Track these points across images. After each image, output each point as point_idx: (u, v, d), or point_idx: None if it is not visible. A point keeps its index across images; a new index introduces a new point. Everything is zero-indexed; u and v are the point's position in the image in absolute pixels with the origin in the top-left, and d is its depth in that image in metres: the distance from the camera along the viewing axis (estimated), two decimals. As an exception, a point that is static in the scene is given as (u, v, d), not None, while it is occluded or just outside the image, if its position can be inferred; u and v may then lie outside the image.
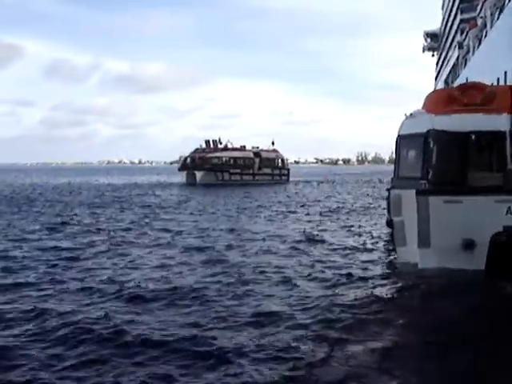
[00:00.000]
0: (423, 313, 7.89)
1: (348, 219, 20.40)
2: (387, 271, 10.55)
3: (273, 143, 63.15)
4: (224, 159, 56.43)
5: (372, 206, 26.95)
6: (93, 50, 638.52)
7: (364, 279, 9.65)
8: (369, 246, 13.68)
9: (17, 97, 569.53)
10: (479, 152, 9.90)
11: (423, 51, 62.14)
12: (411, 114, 10.77)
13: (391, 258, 11.58)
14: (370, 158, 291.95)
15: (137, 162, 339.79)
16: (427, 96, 11.09)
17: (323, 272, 10.32)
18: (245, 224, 18.77)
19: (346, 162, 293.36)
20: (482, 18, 28.14)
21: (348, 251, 12.77)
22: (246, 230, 17.15)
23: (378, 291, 8.79)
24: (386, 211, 21.93)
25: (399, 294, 8.79)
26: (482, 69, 24.56)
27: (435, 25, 58.70)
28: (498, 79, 19.09)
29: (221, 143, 58.78)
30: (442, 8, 53.25)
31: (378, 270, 10.61)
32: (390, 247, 12.53)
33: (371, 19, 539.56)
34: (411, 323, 7.53)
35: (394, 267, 10.71)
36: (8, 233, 16.28)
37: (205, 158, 55.00)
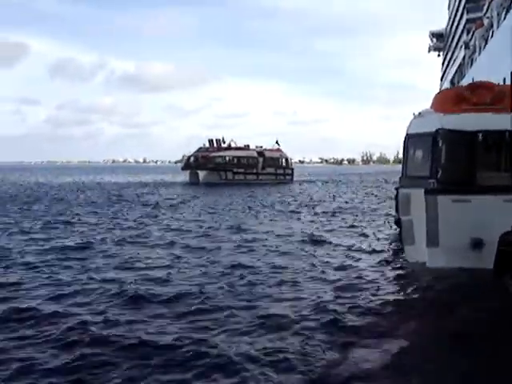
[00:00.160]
0: (433, 314, 7.82)
1: (354, 219, 20.26)
2: (395, 272, 10.43)
3: (277, 143, 62.92)
4: (227, 158, 56.12)
5: (378, 206, 26.83)
6: (98, 49, 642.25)
7: (371, 281, 9.52)
8: (376, 246, 13.56)
9: (22, 95, 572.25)
10: (488, 151, 9.88)
11: (429, 51, 61.99)
12: (420, 114, 10.76)
13: (399, 258, 11.47)
14: (375, 157, 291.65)
15: (141, 161, 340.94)
16: (436, 95, 11.09)
17: (329, 273, 10.17)
18: (249, 224, 18.58)
19: (351, 161, 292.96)
20: (488, 17, 28.08)
21: (355, 252, 12.63)
22: (250, 230, 16.98)
23: (386, 292, 8.74)
24: (392, 211, 22.02)
25: (408, 295, 8.72)
26: (488, 69, 24.49)
27: (441, 25, 58.59)
28: (505, 79, 19.03)
29: (224, 142, 58.52)
30: (448, 8, 53.11)
31: (386, 270, 10.51)
32: (398, 247, 12.42)
33: (380, 19, 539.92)
34: (421, 325, 7.44)
35: (403, 267, 10.64)
36: (9, 231, 16.21)
37: (208, 158, 54.76)
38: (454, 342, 6.54)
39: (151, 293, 8.65)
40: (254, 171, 58.18)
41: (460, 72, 40.19)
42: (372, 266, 10.87)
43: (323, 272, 10.31)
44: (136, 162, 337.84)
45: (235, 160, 56.67)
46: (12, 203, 27.52)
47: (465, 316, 7.45)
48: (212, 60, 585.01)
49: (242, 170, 56.80)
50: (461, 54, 40.13)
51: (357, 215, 21.99)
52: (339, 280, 9.61)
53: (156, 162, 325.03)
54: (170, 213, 23.00)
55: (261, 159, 59.04)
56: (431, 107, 10.70)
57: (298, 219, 20.60)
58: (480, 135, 9.71)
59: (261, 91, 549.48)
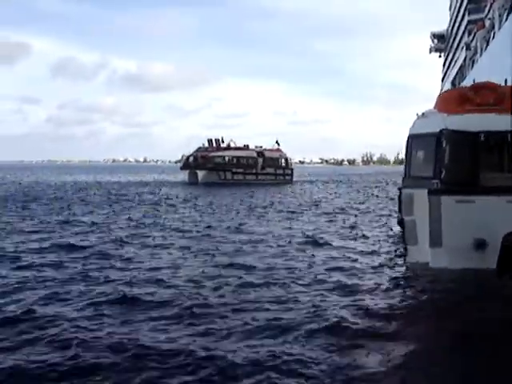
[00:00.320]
0: (436, 316, 7.80)
1: (355, 220, 20.17)
2: (398, 272, 10.40)
3: (277, 143, 62.74)
4: (227, 158, 55.91)
5: (379, 206, 26.84)
6: (100, 48, 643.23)
7: (373, 282, 9.45)
8: (378, 247, 13.50)
9: (24, 94, 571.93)
10: (491, 152, 9.90)
11: (430, 52, 62.09)
12: (423, 114, 10.76)
13: (402, 258, 11.44)
14: (375, 158, 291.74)
15: (142, 160, 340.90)
16: (439, 95, 11.12)
17: (331, 275, 10.04)
18: (247, 225, 18.34)
19: (351, 162, 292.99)
20: (489, 19, 28.12)
21: (356, 253, 12.50)
22: (248, 230, 16.78)
23: (389, 294, 8.71)
24: (393, 212, 22.05)
25: (411, 296, 8.70)
26: (490, 70, 24.51)
27: (442, 26, 58.65)
28: (506, 80, 19.02)
29: (223, 142, 58.39)
30: (450, 9, 53.13)
31: (388, 271, 10.49)
32: (401, 248, 12.40)
33: (380, 20, 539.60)
34: (425, 327, 7.44)
35: (406, 267, 10.62)
36: (6, 231, 16.02)
37: (207, 157, 54.54)
38: (458, 344, 6.55)
39: (147, 294, 8.48)
40: (254, 171, 57.90)
41: (461, 73, 40.24)
42: (374, 267, 10.80)
43: (324, 274, 10.18)
44: (136, 161, 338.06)
45: (234, 160, 56.42)
46: (11, 202, 27.38)
47: (468, 317, 7.45)
48: (212, 60, 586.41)
49: (241, 170, 56.54)
50: (462, 55, 40.17)
51: (358, 216, 21.90)
52: (341, 282, 9.51)
53: (156, 162, 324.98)
54: (167, 213, 22.77)
55: (260, 159, 58.79)
56: (435, 107, 10.71)
57: (298, 220, 20.37)
58: (483, 136, 9.73)
59: (261, 91, 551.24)
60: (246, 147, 60.11)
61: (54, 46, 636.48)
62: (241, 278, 9.82)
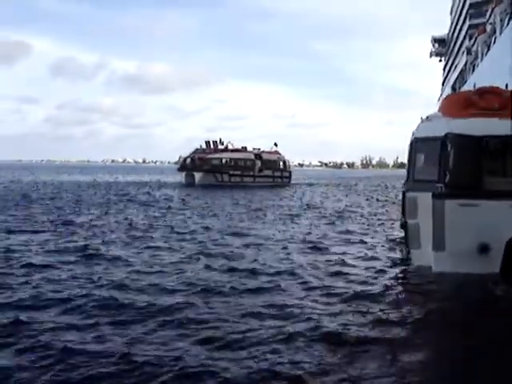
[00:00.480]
0: (439, 322, 7.73)
1: (355, 224, 19.98)
2: (401, 277, 10.28)
3: (275, 145, 62.58)
4: (224, 160, 55.49)
5: (379, 210, 26.75)
6: (100, 49, 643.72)
7: (375, 287, 9.28)
8: (379, 250, 13.34)
9: (23, 94, 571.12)
10: (496, 156, 9.94)
11: (430, 56, 62.35)
12: (427, 117, 10.81)
13: (404, 262, 11.37)
14: (374, 162, 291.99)
15: (141, 161, 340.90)
16: (444, 99, 11.15)
17: (331, 281, 9.75)
18: (244, 228, 17.85)
19: (351, 165, 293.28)
20: (491, 23, 28.19)
21: (357, 258, 12.21)
22: (244, 234, 16.34)
23: (390, 299, 8.56)
24: (394, 215, 22.04)
25: (413, 301, 8.53)
26: (490, 75, 24.59)
27: (443, 30, 58.83)
28: (507, 85, 19.10)
29: (222, 143, 58.15)
30: (451, 13, 53.34)
31: (390, 275, 10.36)
32: (403, 252, 12.28)
33: (380, 21, 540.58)
34: (427, 334, 7.33)
35: (408, 271, 10.55)
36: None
37: (204, 159, 54.20)
38: (461, 347, 6.56)
39: (138, 299, 8.14)
40: (251, 173, 57.45)
41: (462, 77, 40.35)
42: (376, 272, 10.57)
43: (325, 279, 9.90)
44: (135, 162, 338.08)
45: (232, 162, 56.02)
46: (5, 202, 27.04)
47: (471, 321, 7.46)
48: (213, 61, 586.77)
49: (238, 173, 56.08)
50: (463, 59, 40.29)
51: (358, 219, 21.74)
52: (342, 288, 9.22)
53: (155, 163, 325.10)
54: (162, 214, 22.49)
55: (258, 161, 58.37)
56: (439, 111, 10.75)
57: (296, 223, 19.93)
58: (488, 140, 9.77)
59: (263, 93, 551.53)
60: (244, 149, 59.85)
61: (53, 46, 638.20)
62: (237, 283, 9.50)
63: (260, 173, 58.29)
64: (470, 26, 39.94)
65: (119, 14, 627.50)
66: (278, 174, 61.41)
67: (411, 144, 11.03)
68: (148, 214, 22.76)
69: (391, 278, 10.06)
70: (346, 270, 10.81)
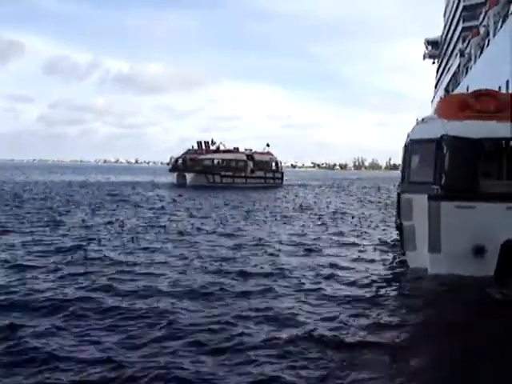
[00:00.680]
0: (436, 325, 7.65)
1: (349, 225, 19.89)
2: (396, 279, 10.16)
3: (268, 145, 62.30)
4: (216, 161, 55.15)
5: (373, 212, 26.68)
6: (93, 48, 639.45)
7: (371, 289, 9.20)
8: (374, 252, 13.23)
9: (15, 93, 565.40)
10: (491, 159, 9.94)
11: (424, 58, 62.60)
12: (423, 119, 10.77)
13: (400, 264, 11.29)
14: (366, 163, 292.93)
15: (133, 161, 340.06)
16: (440, 101, 11.12)
17: (326, 284, 9.60)
18: (235, 230, 17.60)
19: (343, 166, 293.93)
20: (484, 26, 28.31)
21: (350, 260, 12.03)
22: (235, 235, 16.12)
23: (386, 301, 8.52)
24: (388, 217, 22.04)
25: (409, 305, 8.44)
26: (484, 77, 24.67)
27: (436, 32, 59.06)
28: (500, 88, 19.15)
29: (214, 144, 57.82)
30: (444, 16, 53.53)
31: (386, 277, 10.28)
32: (398, 254, 12.22)
33: (375, 24, 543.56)
34: (425, 334, 7.30)
35: (404, 273, 10.47)
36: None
37: (196, 160, 53.89)
38: (460, 348, 6.50)
39: (128, 303, 7.98)
40: (243, 174, 57.18)
41: (455, 80, 40.50)
42: (370, 274, 10.43)
43: (319, 283, 9.72)
44: (128, 162, 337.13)
45: (224, 163, 55.68)
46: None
47: (469, 322, 7.40)
48: (209, 62, 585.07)
49: (230, 173, 55.76)
50: (456, 61, 40.45)
51: (351, 221, 21.64)
52: (336, 290, 9.09)
53: (148, 163, 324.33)
54: (154, 215, 22.30)
55: (250, 162, 58.15)
56: (434, 113, 10.69)
57: (289, 225, 19.69)
58: (483, 143, 9.75)
59: (256, 94, 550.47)
60: (236, 150, 59.56)
61: (46, 45, 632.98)
62: (229, 285, 9.33)
63: (252, 174, 58.09)
64: (464, 29, 40.08)
65: (119, 14, 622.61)
66: (270, 175, 61.19)
67: (406, 146, 10.97)
68: (139, 214, 22.56)
69: (386, 280, 9.96)
70: (339, 272, 10.65)
